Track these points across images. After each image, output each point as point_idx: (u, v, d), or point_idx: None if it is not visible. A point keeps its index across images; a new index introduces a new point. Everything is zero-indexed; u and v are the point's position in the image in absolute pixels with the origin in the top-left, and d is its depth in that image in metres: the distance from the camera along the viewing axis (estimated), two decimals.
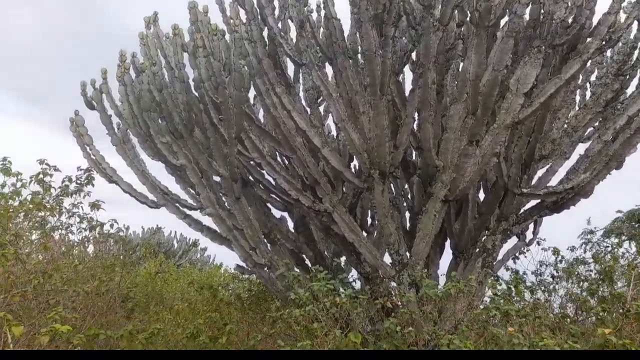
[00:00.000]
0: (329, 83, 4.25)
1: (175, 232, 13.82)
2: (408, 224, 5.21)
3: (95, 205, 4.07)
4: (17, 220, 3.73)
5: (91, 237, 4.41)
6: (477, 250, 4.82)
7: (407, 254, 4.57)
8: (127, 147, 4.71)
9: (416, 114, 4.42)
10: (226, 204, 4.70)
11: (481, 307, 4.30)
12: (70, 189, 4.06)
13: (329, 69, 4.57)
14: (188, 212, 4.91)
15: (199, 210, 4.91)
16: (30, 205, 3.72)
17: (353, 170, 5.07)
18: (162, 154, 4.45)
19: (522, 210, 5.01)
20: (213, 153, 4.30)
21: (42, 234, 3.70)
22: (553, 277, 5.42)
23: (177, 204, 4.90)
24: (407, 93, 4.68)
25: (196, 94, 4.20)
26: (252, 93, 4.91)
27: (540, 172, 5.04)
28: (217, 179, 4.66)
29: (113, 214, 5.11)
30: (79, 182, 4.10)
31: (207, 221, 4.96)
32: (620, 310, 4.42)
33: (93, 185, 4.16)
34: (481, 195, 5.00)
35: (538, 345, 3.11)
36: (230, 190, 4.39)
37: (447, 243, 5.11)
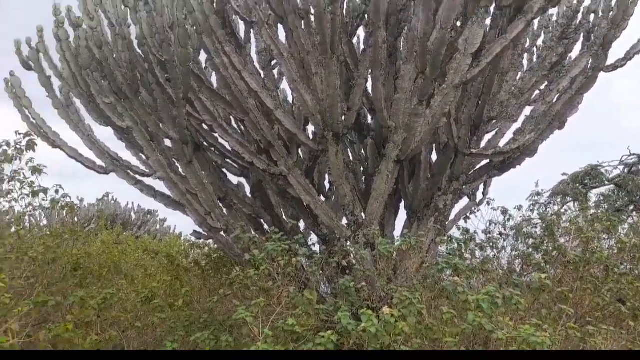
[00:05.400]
0: (280, 42, 4.18)
1: (132, 203, 13.50)
2: (364, 187, 5.29)
3: (36, 170, 3.88)
4: None
5: (37, 205, 4.23)
6: (430, 210, 4.97)
7: (362, 214, 4.66)
8: (70, 110, 4.50)
9: (369, 75, 4.44)
10: (179, 168, 4.61)
11: (433, 263, 4.47)
12: (9, 154, 3.83)
13: (280, 30, 4.50)
14: (140, 178, 4.79)
15: (151, 176, 4.80)
16: None
17: (309, 134, 5.07)
18: (106, 116, 4.28)
19: (472, 171, 5.19)
20: (161, 115, 4.18)
21: None
22: (501, 234, 5.69)
23: (128, 170, 4.77)
24: (359, 55, 4.68)
25: (140, 51, 4.04)
26: (204, 57, 4.78)
27: (489, 135, 5.21)
28: (168, 142, 4.55)
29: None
30: (18, 146, 3.89)
31: (161, 187, 4.87)
32: (562, 261, 4.72)
33: (34, 150, 3.96)
34: (434, 157, 5.13)
35: (481, 294, 3.26)
36: (181, 153, 4.30)
37: (402, 205, 5.25)
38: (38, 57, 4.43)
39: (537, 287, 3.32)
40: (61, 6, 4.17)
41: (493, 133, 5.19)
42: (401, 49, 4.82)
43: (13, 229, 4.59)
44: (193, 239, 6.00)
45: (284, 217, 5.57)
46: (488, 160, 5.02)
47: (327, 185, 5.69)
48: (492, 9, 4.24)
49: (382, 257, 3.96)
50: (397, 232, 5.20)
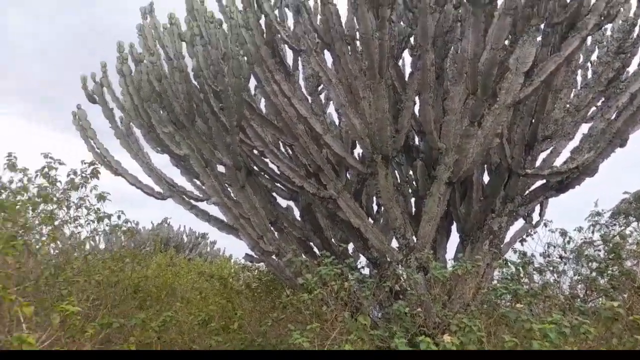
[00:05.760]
0: (327, 69, 4.26)
1: (185, 226, 13.99)
2: (414, 209, 5.22)
3: (101, 197, 4.12)
4: (25, 215, 3.79)
5: (100, 230, 4.47)
6: (484, 232, 4.82)
7: (414, 237, 4.59)
8: (130, 140, 4.76)
9: (417, 98, 4.43)
10: (232, 193, 4.74)
11: (490, 288, 4.30)
12: (75, 182, 4.10)
13: (327, 56, 4.60)
14: (194, 203, 4.96)
15: (205, 201, 4.96)
16: (37, 199, 3.77)
17: (357, 157, 5.09)
18: (165, 145, 4.50)
19: (527, 192, 5.00)
20: (215, 142, 4.33)
21: (51, 225, 3.75)
22: (561, 257, 5.41)
23: (183, 196, 4.95)
24: (407, 78, 4.69)
25: (196, 83, 4.24)
26: (253, 83, 4.96)
27: (544, 154, 5.03)
28: (221, 168, 4.71)
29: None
30: (84, 174, 4.16)
31: (214, 211, 5.02)
32: (631, 287, 4.40)
33: (98, 178, 4.22)
34: (486, 178, 5.00)
35: (547, 322, 3.11)
36: (234, 179, 4.43)
37: (454, 227, 5.12)
38: (102, 91, 4.75)
39: (609, 316, 3.11)
40: (124, 43, 4.49)
41: (548, 152, 5.00)
42: (447, 69, 4.80)
43: (76, 253, 4.86)
44: (243, 261, 6.12)
45: (333, 240, 5.58)
46: (544, 181, 4.84)
47: (375, 208, 5.66)
48: (542, 26, 4.16)
49: (436, 282, 3.86)
50: (449, 255, 5.08)
